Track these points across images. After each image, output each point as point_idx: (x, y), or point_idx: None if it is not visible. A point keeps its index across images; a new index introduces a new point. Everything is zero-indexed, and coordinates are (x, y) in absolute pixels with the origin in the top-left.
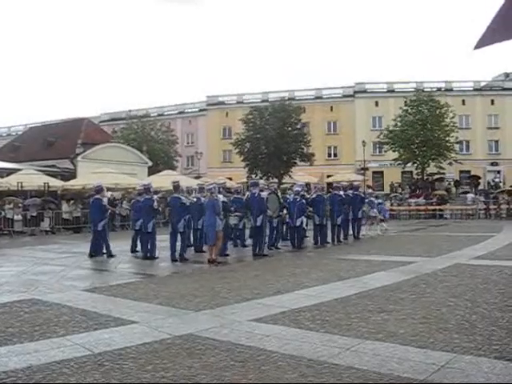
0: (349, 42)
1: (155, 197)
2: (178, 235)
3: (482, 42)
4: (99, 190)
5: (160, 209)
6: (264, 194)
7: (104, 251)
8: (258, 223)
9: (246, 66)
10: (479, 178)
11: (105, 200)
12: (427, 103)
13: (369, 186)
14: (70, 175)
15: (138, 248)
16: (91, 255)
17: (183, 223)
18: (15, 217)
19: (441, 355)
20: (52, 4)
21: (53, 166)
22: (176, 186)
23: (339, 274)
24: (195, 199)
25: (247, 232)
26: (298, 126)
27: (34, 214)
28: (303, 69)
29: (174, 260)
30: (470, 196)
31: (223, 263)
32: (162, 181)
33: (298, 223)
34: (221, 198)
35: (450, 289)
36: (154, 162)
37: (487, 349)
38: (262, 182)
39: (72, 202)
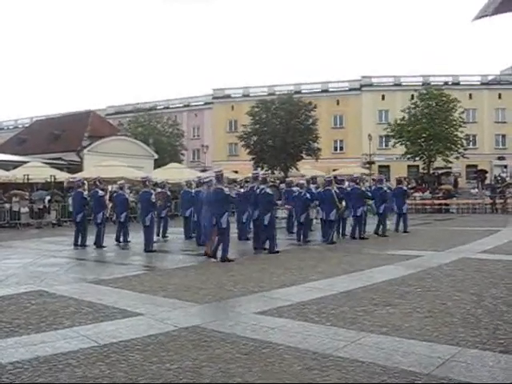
0: (355, 35)
1: (158, 190)
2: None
3: (481, 14)
4: (80, 183)
5: (158, 202)
6: (267, 189)
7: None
8: (265, 222)
9: (252, 60)
10: (486, 172)
11: (85, 193)
12: (436, 97)
13: (374, 180)
14: (77, 168)
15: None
16: (76, 245)
17: (227, 218)
18: (21, 209)
19: (446, 349)
20: None
21: (59, 158)
22: (219, 176)
23: (345, 268)
24: (242, 190)
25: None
26: (309, 122)
27: (41, 207)
28: (309, 62)
29: (223, 260)
30: (473, 191)
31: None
32: (168, 174)
33: (265, 222)
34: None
35: (455, 283)
36: (160, 155)
37: (492, 343)
38: (261, 173)
39: None
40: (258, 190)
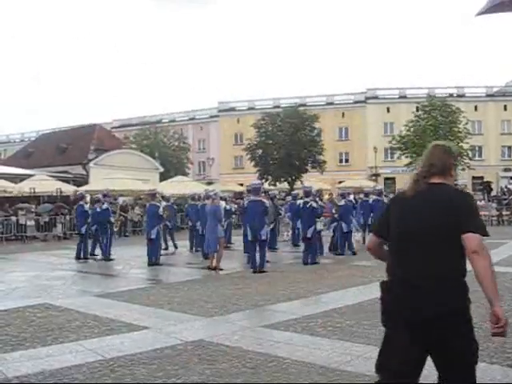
0: (360, 48)
1: (163, 204)
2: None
3: (485, 10)
4: (81, 197)
5: (165, 215)
6: (313, 203)
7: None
8: (309, 235)
9: (258, 73)
10: (491, 183)
11: (87, 206)
12: (440, 109)
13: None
14: (83, 181)
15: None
16: (78, 258)
17: (266, 230)
18: (28, 222)
19: None
20: (65, 8)
21: (65, 172)
22: (257, 189)
23: (351, 281)
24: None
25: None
26: (314, 134)
27: (47, 220)
28: (314, 75)
29: (255, 272)
30: (479, 203)
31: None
32: (173, 187)
33: (309, 234)
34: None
35: None
36: (165, 168)
37: (500, 357)
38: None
39: None
40: (302, 204)
